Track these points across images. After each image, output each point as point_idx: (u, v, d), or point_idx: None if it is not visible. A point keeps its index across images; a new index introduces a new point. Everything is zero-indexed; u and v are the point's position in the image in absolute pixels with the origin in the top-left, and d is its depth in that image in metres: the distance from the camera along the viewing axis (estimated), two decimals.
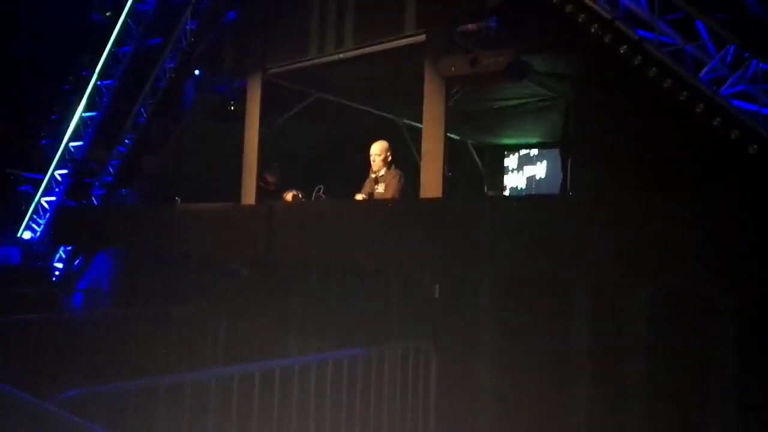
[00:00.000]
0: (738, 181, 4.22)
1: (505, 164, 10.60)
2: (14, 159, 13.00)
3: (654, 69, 4.43)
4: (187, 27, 9.32)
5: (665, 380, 3.73)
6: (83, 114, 11.70)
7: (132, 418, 3.17)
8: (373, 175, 6.20)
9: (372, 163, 6.16)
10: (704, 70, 4.53)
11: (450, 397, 4.55)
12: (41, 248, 11.54)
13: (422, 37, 5.78)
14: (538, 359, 4.24)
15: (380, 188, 6.11)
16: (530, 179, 10.31)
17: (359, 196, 6.07)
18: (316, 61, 6.79)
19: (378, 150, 6.15)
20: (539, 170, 10.20)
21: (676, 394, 3.70)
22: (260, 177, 7.20)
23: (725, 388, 3.52)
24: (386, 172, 6.15)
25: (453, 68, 5.35)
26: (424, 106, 5.67)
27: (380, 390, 4.27)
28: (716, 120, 4.16)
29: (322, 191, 6.29)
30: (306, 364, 3.97)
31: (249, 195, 7.05)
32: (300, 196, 6.62)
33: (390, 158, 6.18)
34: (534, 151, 10.28)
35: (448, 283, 4.77)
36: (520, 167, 10.45)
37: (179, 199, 7.64)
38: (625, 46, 4.64)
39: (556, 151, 8.98)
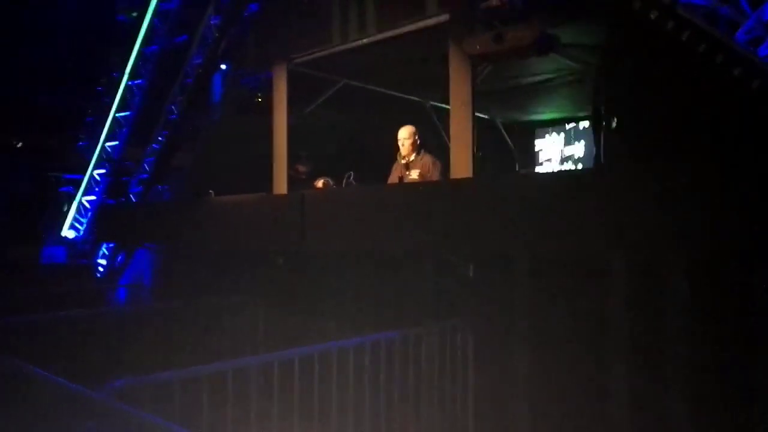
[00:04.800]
0: None
1: (536, 142, 10.47)
2: (55, 161, 13.43)
3: (687, 33, 4.28)
4: (212, 22, 9.41)
5: (706, 359, 3.63)
6: (117, 114, 11.97)
7: (177, 406, 3.27)
8: (403, 161, 6.16)
9: (401, 147, 6.13)
10: (740, 30, 4.34)
11: (487, 377, 4.54)
12: (85, 246, 11.91)
13: (445, 17, 5.71)
14: (575, 337, 4.19)
15: (413, 174, 6.05)
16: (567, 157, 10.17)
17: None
18: (340, 48, 6.78)
19: (406, 134, 6.10)
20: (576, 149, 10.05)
21: (718, 373, 3.60)
22: (291, 167, 7.26)
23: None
24: (416, 157, 6.11)
25: (478, 46, 5.27)
26: (451, 87, 5.61)
27: (418, 371, 4.30)
28: (755, 82, 4.00)
29: (352, 177, 6.30)
30: (344, 348, 4.01)
31: (280, 185, 7.13)
32: (331, 183, 6.65)
33: (419, 142, 6.14)
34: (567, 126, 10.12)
35: (481, 262, 4.74)
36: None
37: (212, 192, 7.77)
38: (655, 11, 4.48)
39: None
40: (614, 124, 5.88)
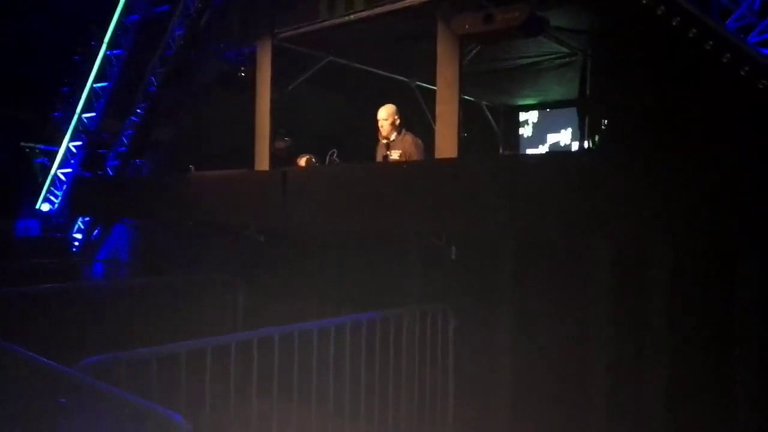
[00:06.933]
0: (766, 134, 4.07)
1: (521, 125, 10.48)
2: (29, 132, 13.04)
3: (678, 18, 4.26)
4: None
5: (688, 341, 3.67)
6: (94, 85, 11.65)
7: (154, 383, 3.21)
8: (384, 141, 6.09)
9: (380, 128, 6.05)
10: (731, 17, 4.35)
11: (469, 359, 4.55)
12: (60, 219, 11.64)
13: None
14: (558, 320, 4.20)
15: (394, 155, 5.98)
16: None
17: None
18: (326, 23, 6.64)
19: (385, 114, 6.02)
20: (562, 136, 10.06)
21: (699, 356, 3.64)
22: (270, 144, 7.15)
23: (749, 351, 3.45)
24: (397, 137, 6.04)
25: (467, 26, 5.20)
26: (438, 67, 5.54)
27: (399, 352, 4.29)
28: (744, 69, 4.01)
29: (335, 155, 6.22)
30: (325, 327, 3.98)
31: (262, 161, 7.02)
32: (313, 160, 6.56)
33: (399, 122, 6.05)
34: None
35: (465, 244, 4.72)
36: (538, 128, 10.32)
37: (193, 167, 7.63)
38: None
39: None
40: (600, 109, 5.87)
